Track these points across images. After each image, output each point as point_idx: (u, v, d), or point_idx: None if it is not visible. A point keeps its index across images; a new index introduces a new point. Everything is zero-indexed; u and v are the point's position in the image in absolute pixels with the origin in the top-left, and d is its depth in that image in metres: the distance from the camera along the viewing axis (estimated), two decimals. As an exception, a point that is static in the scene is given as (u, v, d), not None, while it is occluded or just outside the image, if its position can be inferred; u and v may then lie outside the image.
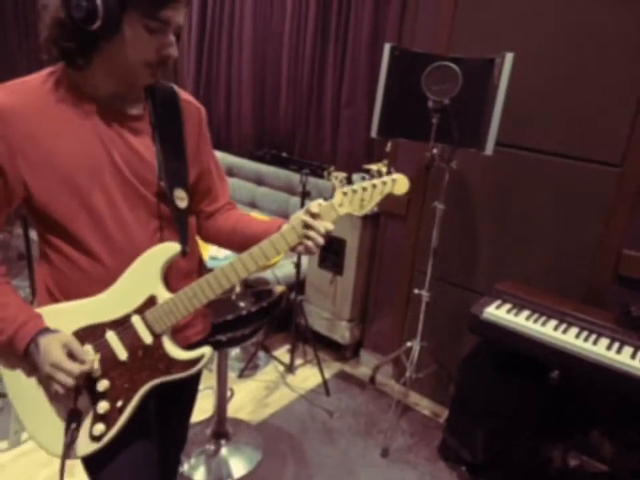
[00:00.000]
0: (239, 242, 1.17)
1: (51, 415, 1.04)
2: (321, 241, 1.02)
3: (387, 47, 1.98)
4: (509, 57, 1.81)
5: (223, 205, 1.25)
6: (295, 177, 3.28)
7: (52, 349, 0.97)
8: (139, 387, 1.02)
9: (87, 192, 0.98)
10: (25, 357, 1.00)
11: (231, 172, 3.69)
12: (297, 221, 1.03)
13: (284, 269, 2.92)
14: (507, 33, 2.08)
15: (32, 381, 1.04)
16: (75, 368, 0.96)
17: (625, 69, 1.89)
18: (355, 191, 1.04)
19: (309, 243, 1.02)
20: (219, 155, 3.72)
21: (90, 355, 1.00)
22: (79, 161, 0.97)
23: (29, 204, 1.00)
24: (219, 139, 3.84)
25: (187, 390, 1.32)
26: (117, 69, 0.96)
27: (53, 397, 1.03)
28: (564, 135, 2.06)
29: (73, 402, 1.00)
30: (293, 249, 1.05)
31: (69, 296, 1.04)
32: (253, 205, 3.60)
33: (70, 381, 0.96)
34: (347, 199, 1.04)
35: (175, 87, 1.13)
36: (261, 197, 3.56)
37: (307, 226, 1.02)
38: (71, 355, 0.98)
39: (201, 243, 1.27)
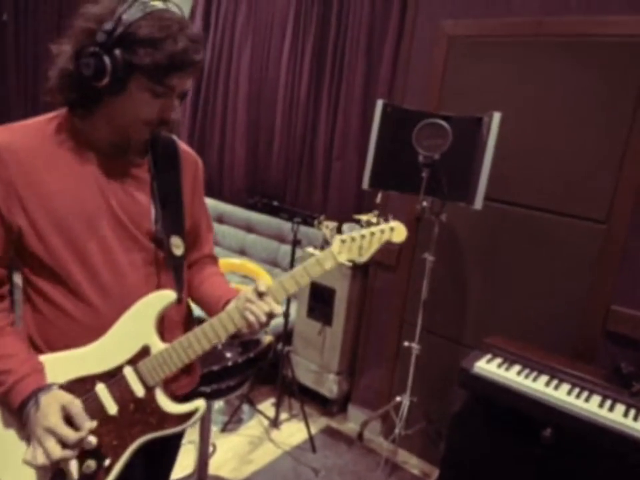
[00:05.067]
0: (196, 299, 1.19)
1: (30, 474, 0.95)
2: (263, 319, 0.99)
3: (379, 104, 2.05)
4: (497, 116, 1.88)
5: (203, 257, 1.24)
6: (285, 226, 3.30)
7: (49, 412, 0.90)
8: (128, 444, 0.96)
9: (81, 238, 0.97)
10: (17, 411, 0.93)
11: (221, 219, 3.70)
12: (242, 300, 1.02)
13: (272, 318, 2.87)
14: (495, 93, 2.17)
15: (13, 436, 0.96)
16: (71, 435, 0.89)
17: (607, 130, 1.96)
18: (353, 239, 1.04)
19: (251, 318, 0.99)
20: (210, 202, 3.74)
21: (89, 422, 0.93)
22: (75, 207, 0.96)
23: (18, 247, 0.98)
24: (211, 187, 3.87)
25: (168, 449, 1.25)
26: (117, 122, 0.98)
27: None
28: (550, 191, 2.11)
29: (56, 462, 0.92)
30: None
31: (53, 346, 0.99)
32: (242, 252, 3.59)
33: (57, 452, 0.88)
34: (345, 246, 1.04)
35: (174, 137, 1.14)
36: (250, 245, 3.55)
37: (251, 303, 1.01)
38: (69, 420, 0.91)
39: None
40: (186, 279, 1.15)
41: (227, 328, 1.01)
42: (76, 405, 0.93)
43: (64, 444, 0.90)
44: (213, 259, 1.27)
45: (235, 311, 1.01)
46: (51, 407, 0.91)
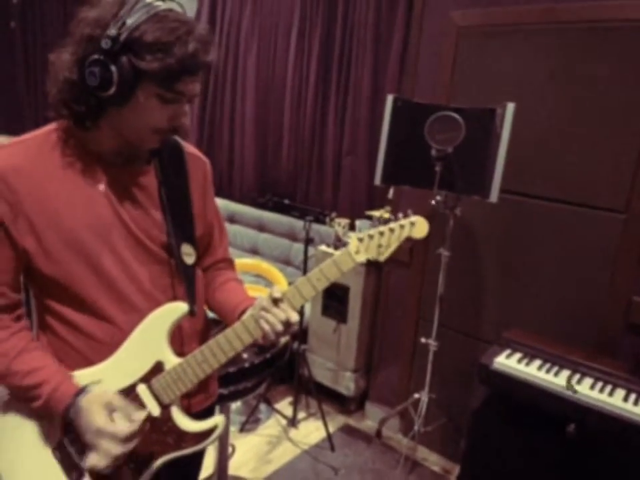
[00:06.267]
0: (212, 307, 1.17)
1: None
2: (279, 327, 0.94)
3: (389, 98, 2.02)
4: (510, 107, 1.84)
5: (218, 261, 1.21)
6: (296, 224, 3.28)
7: (93, 413, 0.89)
8: (147, 466, 0.94)
9: (95, 253, 0.94)
10: (61, 419, 0.93)
11: (232, 219, 3.70)
12: (257, 308, 0.97)
13: (286, 317, 2.86)
14: (508, 84, 2.13)
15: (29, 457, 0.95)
16: (123, 429, 0.88)
17: (624, 118, 1.91)
18: (371, 237, 0.97)
19: (266, 327, 0.94)
20: (221, 202, 3.73)
21: (138, 412, 0.91)
22: (86, 222, 0.93)
23: (30, 270, 0.95)
24: (222, 187, 3.87)
25: (193, 458, 1.23)
26: (124, 132, 0.93)
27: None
28: (567, 182, 2.06)
29: None
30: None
31: (72, 367, 0.97)
32: (254, 252, 3.59)
33: (115, 450, 0.87)
34: (363, 245, 0.97)
35: (180, 140, 1.09)
36: (262, 244, 3.54)
37: (266, 311, 0.95)
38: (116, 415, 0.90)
39: None
40: (200, 288, 1.11)
41: (243, 339, 0.96)
42: (118, 399, 0.92)
43: (119, 440, 0.88)
44: (229, 263, 1.23)
45: (251, 319, 0.97)
46: (93, 407, 0.90)
